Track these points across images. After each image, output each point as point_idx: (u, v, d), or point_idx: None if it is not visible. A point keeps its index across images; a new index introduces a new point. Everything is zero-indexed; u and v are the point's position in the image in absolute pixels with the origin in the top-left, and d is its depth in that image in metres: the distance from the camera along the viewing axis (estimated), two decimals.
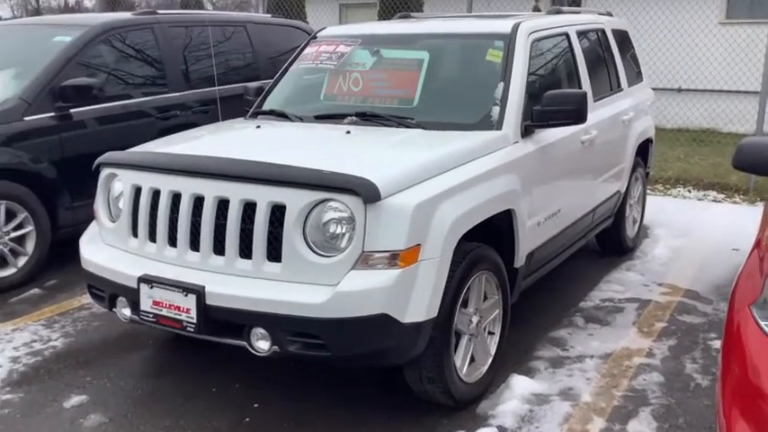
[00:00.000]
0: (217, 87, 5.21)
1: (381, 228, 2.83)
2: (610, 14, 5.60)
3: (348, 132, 3.54)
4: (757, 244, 2.69)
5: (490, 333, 3.56)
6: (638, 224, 5.85)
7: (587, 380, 3.65)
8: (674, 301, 4.68)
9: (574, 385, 3.59)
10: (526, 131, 3.75)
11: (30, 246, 5.00)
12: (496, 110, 3.70)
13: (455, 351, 3.26)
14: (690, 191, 7.79)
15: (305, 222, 2.90)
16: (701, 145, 9.88)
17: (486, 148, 3.49)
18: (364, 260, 2.84)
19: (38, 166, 4.99)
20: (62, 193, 5.12)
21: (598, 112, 4.62)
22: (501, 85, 3.77)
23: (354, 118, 3.78)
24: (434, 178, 3.10)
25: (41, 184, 5.02)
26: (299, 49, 4.61)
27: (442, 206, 3.02)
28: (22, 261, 4.96)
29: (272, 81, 4.54)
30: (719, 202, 7.38)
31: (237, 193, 2.97)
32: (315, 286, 2.84)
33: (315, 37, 4.58)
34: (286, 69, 4.53)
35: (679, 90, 11.07)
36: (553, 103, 3.66)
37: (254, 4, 11.46)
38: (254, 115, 4.29)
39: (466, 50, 4.07)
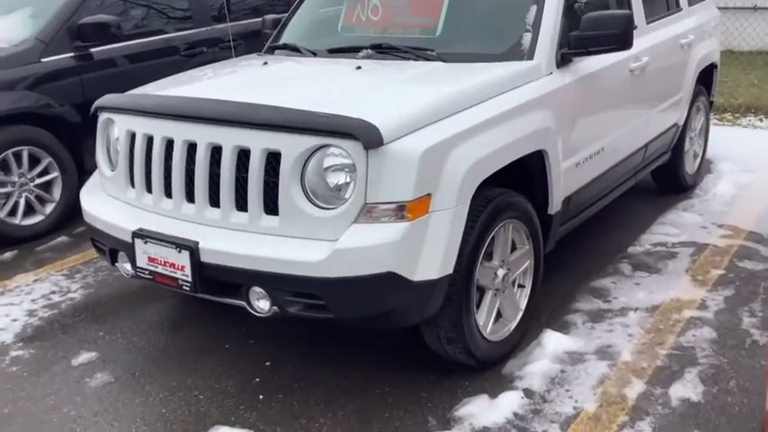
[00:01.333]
0: (229, 23, 4.91)
1: (385, 176, 2.52)
2: None
3: (359, 68, 3.20)
4: None
5: (520, 286, 3.25)
6: (699, 159, 5.33)
7: (629, 336, 3.31)
8: (735, 245, 4.24)
9: (613, 342, 3.26)
10: (563, 60, 3.32)
11: (56, 192, 4.90)
12: (528, 37, 3.28)
13: (478, 308, 2.98)
14: (762, 120, 7.12)
15: (303, 171, 2.62)
16: None
17: (513, 82, 3.11)
18: (367, 213, 2.55)
19: (59, 110, 4.85)
20: (87, 137, 4.96)
21: (651, 36, 4.12)
22: (534, 7, 3.33)
23: (370, 51, 3.43)
24: (449, 118, 2.75)
25: (64, 128, 4.89)
26: None
27: (456, 150, 2.68)
28: (49, 208, 4.88)
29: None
30: None
31: (230, 139, 2.70)
32: (314, 242, 2.58)
33: None
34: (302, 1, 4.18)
35: (755, 8, 10.08)
36: (593, 26, 3.22)
37: None
38: (271, 50, 3.98)
39: None
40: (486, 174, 2.80)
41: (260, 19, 4.78)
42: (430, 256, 2.62)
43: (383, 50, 3.42)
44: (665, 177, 5.01)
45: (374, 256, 2.53)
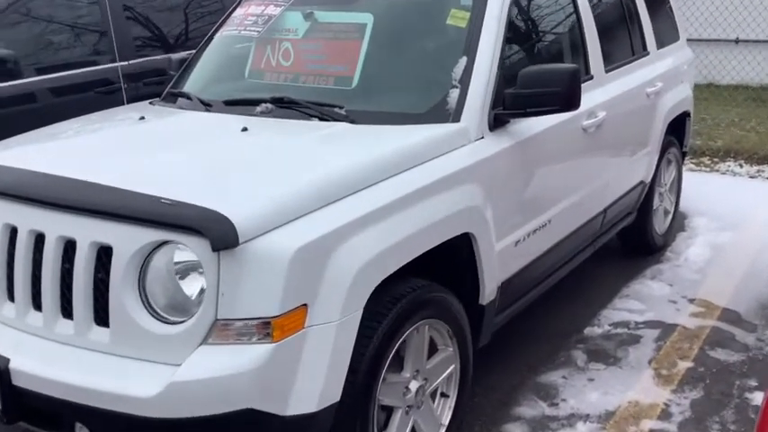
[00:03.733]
0: (119, 63, 4.33)
1: (243, 285, 1.94)
2: None
3: (245, 129, 2.62)
4: None
5: (443, 395, 2.66)
6: (670, 216, 4.79)
7: None
8: (707, 327, 3.67)
9: None
10: (496, 122, 2.76)
11: None
12: (455, 94, 2.71)
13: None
14: (741, 165, 6.60)
15: (142, 272, 2.03)
16: (760, 105, 8.58)
17: (433, 150, 2.54)
18: (221, 331, 1.96)
19: None
20: None
21: (611, 86, 3.58)
22: (464, 59, 2.77)
23: (269, 106, 2.86)
24: (340, 201, 2.18)
25: None
26: (227, 12, 3.67)
27: (346, 244, 2.10)
28: None
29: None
30: None
31: (54, 226, 2.11)
32: (152, 366, 1.99)
33: None
34: (211, 38, 3.60)
35: (737, 41, 9.65)
36: (532, 83, 2.66)
37: None
38: (172, 97, 3.38)
39: (420, 11, 3.05)
40: (387, 272, 2.22)
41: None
42: (306, 384, 2.03)
43: (284, 105, 2.85)
44: (632, 239, 4.46)
45: (227, 390, 1.93)
